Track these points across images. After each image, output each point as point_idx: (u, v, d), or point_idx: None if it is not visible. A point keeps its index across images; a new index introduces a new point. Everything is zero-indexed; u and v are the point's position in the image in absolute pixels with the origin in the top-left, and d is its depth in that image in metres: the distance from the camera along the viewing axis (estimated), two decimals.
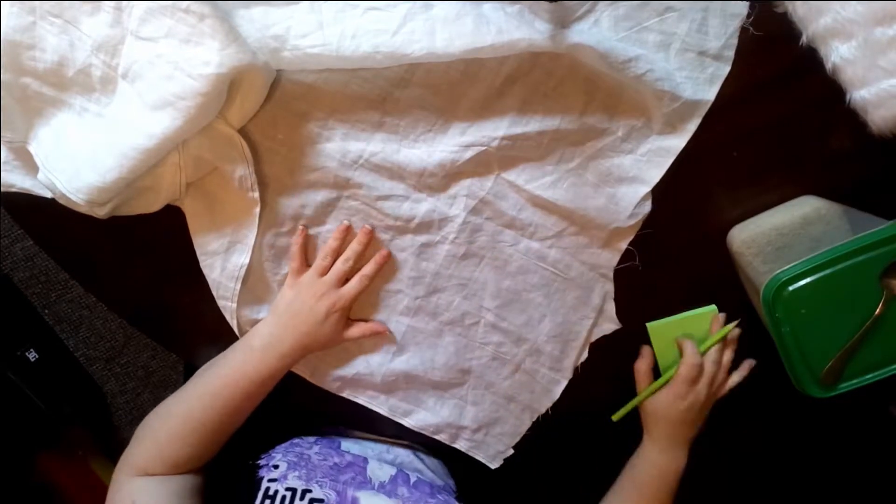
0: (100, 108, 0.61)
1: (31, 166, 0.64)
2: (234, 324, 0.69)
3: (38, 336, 1.41)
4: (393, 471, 0.71)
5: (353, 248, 0.67)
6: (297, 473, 0.64)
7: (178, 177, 0.63)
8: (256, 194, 0.65)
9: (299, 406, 0.76)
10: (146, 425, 0.66)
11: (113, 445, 1.53)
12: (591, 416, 0.76)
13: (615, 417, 0.73)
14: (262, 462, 0.66)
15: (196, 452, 0.64)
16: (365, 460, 0.71)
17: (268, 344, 0.66)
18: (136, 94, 0.58)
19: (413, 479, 0.71)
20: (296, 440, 0.70)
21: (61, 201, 0.61)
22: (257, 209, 0.66)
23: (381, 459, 0.73)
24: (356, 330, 0.69)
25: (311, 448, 0.69)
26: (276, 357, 0.66)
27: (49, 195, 0.64)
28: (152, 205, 0.65)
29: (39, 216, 0.68)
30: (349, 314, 0.70)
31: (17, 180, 0.66)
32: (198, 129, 0.59)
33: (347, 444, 0.74)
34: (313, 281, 0.67)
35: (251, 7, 0.58)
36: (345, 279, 0.68)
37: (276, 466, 0.64)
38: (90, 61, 0.58)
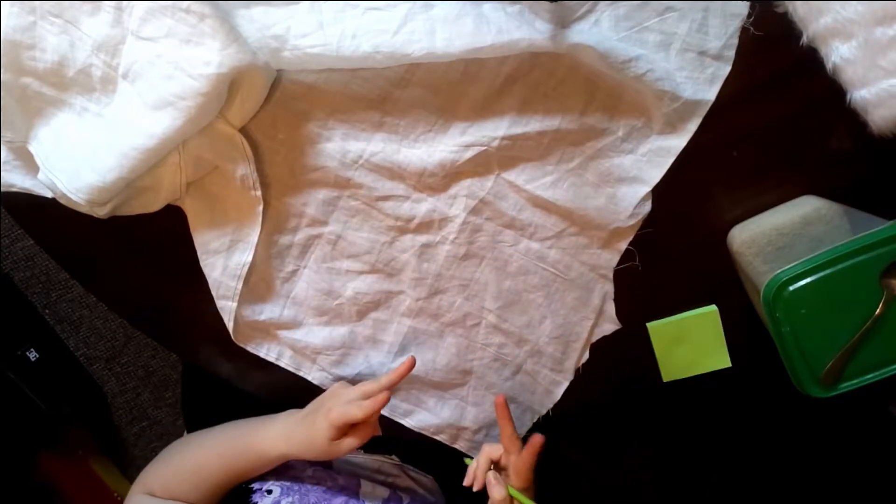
0: (100, 108, 0.61)
1: (31, 166, 0.64)
2: (230, 326, 0.69)
3: (39, 336, 1.41)
4: (386, 493, 0.71)
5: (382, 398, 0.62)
6: (290, 500, 0.64)
7: (179, 177, 0.63)
8: (259, 193, 0.65)
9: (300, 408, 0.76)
10: (169, 449, 0.69)
11: (113, 445, 1.53)
12: (592, 416, 0.76)
13: None
14: (255, 486, 0.66)
15: (195, 496, 0.65)
16: (357, 482, 0.71)
17: (282, 433, 0.65)
18: (137, 94, 0.58)
19: (406, 501, 0.71)
20: (290, 461, 0.70)
21: (62, 201, 0.61)
22: (260, 207, 0.66)
23: (372, 480, 0.73)
24: (346, 444, 0.62)
25: (304, 471, 0.69)
26: (284, 444, 0.64)
27: (49, 195, 0.64)
28: (152, 204, 0.66)
29: (39, 216, 0.68)
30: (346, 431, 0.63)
31: (18, 180, 0.66)
32: (198, 128, 0.59)
33: (339, 463, 0.74)
34: (343, 387, 0.66)
35: (251, 7, 0.58)
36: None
37: (269, 492, 0.65)
38: (90, 61, 0.58)
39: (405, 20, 0.57)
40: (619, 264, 0.69)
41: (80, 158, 0.60)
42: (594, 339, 0.71)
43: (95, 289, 0.74)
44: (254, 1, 0.58)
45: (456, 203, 0.67)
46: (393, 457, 0.78)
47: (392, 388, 0.65)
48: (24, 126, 0.61)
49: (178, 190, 0.65)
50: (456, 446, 0.76)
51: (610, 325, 0.71)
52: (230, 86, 0.58)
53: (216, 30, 0.54)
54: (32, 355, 1.34)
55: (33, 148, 0.61)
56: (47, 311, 1.45)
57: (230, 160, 0.63)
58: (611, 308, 0.70)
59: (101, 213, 0.62)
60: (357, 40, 0.57)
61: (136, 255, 0.72)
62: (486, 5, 0.57)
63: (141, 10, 0.56)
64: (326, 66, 0.61)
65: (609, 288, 0.70)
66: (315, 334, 0.71)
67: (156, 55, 0.56)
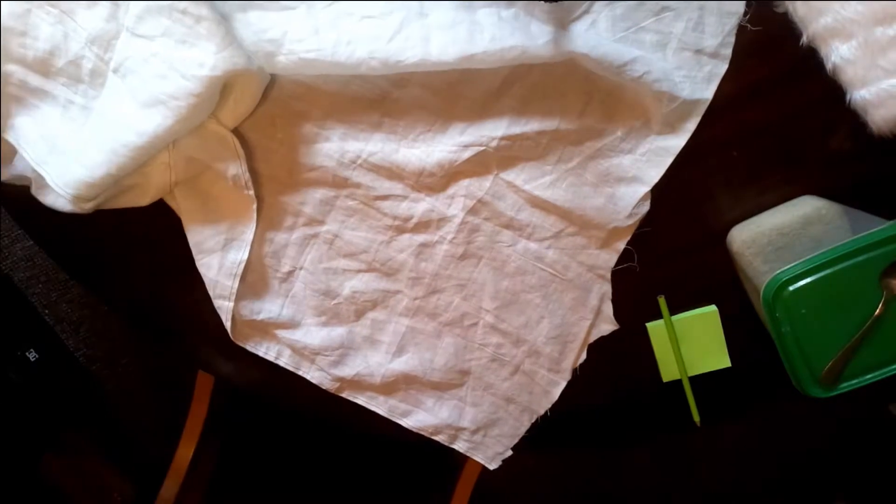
0: (86, 100, 0.60)
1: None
2: (228, 325, 0.69)
3: (38, 336, 1.41)
4: None
5: None
6: None
7: (168, 176, 0.63)
8: (251, 192, 0.65)
9: (299, 408, 0.76)
10: None
11: (113, 445, 1.53)
12: (591, 416, 0.76)
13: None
14: None
15: None
16: None
17: None
18: (127, 89, 0.58)
19: None
20: None
21: (36, 195, 0.61)
22: (254, 206, 0.66)
23: None
24: None
25: None
26: None
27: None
28: (140, 200, 0.65)
29: (39, 216, 0.68)
30: None
31: None
32: (189, 129, 0.59)
33: None
34: None
35: (248, 11, 0.58)
36: None
37: None
38: (82, 53, 0.58)
39: (400, 27, 0.57)
40: (617, 264, 0.68)
41: (67, 152, 0.59)
42: (592, 339, 0.71)
43: (95, 289, 0.74)
44: (250, 2, 0.58)
45: (454, 203, 0.67)
46: None
47: None
48: (2, 115, 0.61)
49: (167, 188, 0.64)
50: (454, 447, 0.75)
51: (607, 326, 0.71)
52: (223, 88, 0.58)
53: (212, 32, 0.55)
54: (32, 355, 1.34)
55: (11, 137, 0.61)
56: (47, 311, 1.45)
57: (221, 160, 0.63)
58: (608, 308, 0.70)
59: (87, 207, 0.62)
60: (352, 46, 0.57)
61: (135, 255, 0.72)
62: (481, 11, 0.57)
63: (138, 8, 0.56)
64: (321, 72, 0.61)
65: (607, 288, 0.69)
66: (313, 335, 0.71)
67: (150, 53, 0.56)
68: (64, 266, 0.74)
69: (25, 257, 1.41)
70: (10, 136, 0.61)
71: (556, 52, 0.57)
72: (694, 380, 0.72)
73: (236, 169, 0.63)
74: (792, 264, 0.60)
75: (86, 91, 0.60)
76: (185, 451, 0.96)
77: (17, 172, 0.63)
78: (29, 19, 0.57)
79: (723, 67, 0.62)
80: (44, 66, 0.59)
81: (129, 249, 0.71)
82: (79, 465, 1.42)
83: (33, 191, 0.63)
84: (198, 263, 0.68)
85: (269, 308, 0.70)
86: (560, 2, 0.58)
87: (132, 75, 0.58)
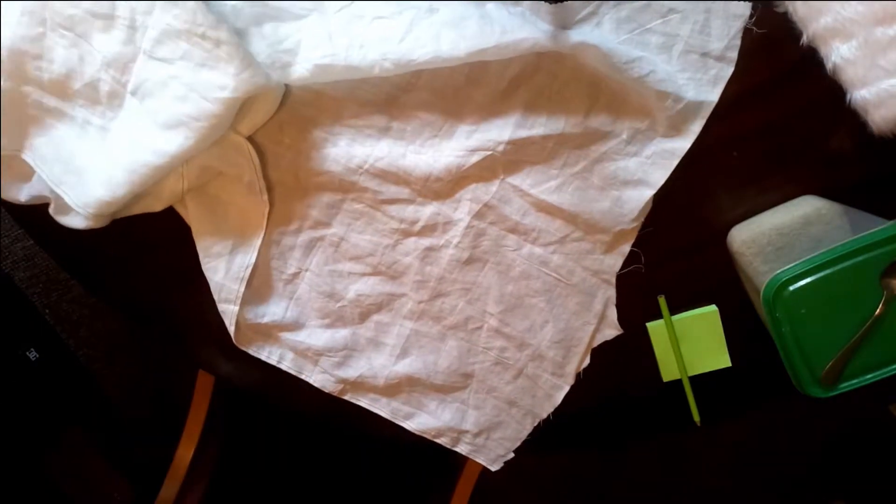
0: (104, 121, 0.61)
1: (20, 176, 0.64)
2: (231, 329, 0.69)
3: (39, 336, 1.41)
4: None
5: None
6: None
7: (181, 184, 0.63)
8: (266, 198, 0.65)
9: (301, 409, 0.76)
10: None
11: (113, 445, 1.53)
12: (592, 417, 0.76)
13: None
14: None
15: None
16: None
17: None
18: (146, 111, 0.58)
19: None
20: None
21: (53, 214, 0.61)
22: (266, 210, 0.66)
23: None
24: None
25: None
26: None
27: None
28: (153, 206, 0.66)
29: (39, 216, 0.68)
30: None
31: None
32: (208, 145, 0.60)
33: None
34: None
35: (262, 24, 0.59)
36: None
37: None
38: (99, 76, 0.59)
39: (410, 27, 0.57)
40: (623, 267, 0.68)
41: (85, 172, 0.60)
42: (596, 344, 0.71)
43: (96, 289, 0.74)
44: (264, 13, 0.58)
45: (460, 207, 0.67)
46: None
47: None
48: (19, 135, 0.61)
49: (179, 195, 0.65)
50: (457, 449, 0.75)
51: (611, 331, 0.71)
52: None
53: (232, 55, 0.55)
54: (32, 355, 1.34)
55: (29, 157, 0.61)
56: (47, 311, 1.45)
57: (236, 166, 0.64)
58: (613, 313, 0.70)
59: (104, 222, 0.62)
60: (364, 49, 0.58)
61: (137, 255, 0.72)
62: (490, 5, 0.58)
63: (156, 32, 0.56)
64: (336, 78, 0.61)
65: (611, 293, 0.69)
66: (317, 336, 0.71)
67: (169, 76, 0.57)
68: (64, 266, 0.74)
69: (25, 257, 1.41)
70: (27, 157, 0.61)
71: (567, 42, 0.57)
72: (694, 380, 0.72)
73: (251, 175, 0.64)
74: (792, 264, 0.60)
75: (104, 112, 0.60)
76: (185, 451, 0.96)
77: (35, 193, 0.63)
78: (43, 42, 0.57)
79: (729, 70, 0.62)
80: (60, 88, 0.59)
81: (131, 250, 0.71)
82: (79, 465, 1.42)
83: (51, 211, 0.63)
84: (204, 267, 0.68)
85: (273, 311, 0.70)
86: (563, 2, 0.58)
87: (151, 97, 0.58)
